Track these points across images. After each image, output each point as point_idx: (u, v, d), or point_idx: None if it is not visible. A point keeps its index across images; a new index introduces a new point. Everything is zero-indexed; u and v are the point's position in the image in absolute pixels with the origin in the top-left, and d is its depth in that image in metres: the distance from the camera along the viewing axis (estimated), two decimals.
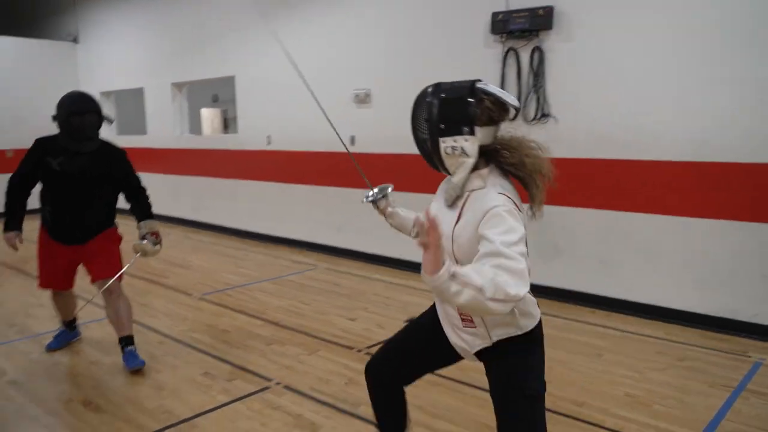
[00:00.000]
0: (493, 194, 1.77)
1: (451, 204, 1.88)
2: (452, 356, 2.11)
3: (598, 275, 5.01)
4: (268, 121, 7.70)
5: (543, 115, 5.09)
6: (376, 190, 2.35)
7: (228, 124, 13.04)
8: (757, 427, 3.07)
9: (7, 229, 3.71)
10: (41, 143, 3.69)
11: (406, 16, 6.08)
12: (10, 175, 3.77)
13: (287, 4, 7.13)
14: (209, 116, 13.24)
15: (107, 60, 10.58)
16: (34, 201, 3.78)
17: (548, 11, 4.90)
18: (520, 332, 1.91)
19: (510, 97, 1.83)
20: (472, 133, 1.78)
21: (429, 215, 1.51)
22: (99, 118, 3.69)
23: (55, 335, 4.21)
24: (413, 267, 5.84)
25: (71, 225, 3.73)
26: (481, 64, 5.38)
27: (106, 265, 3.82)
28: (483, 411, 3.12)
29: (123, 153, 3.89)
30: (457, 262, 1.83)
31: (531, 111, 5.16)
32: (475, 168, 1.83)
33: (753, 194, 4.24)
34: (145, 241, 3.78)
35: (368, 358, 2.37)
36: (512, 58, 5.22)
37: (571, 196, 5.03)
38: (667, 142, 4.55)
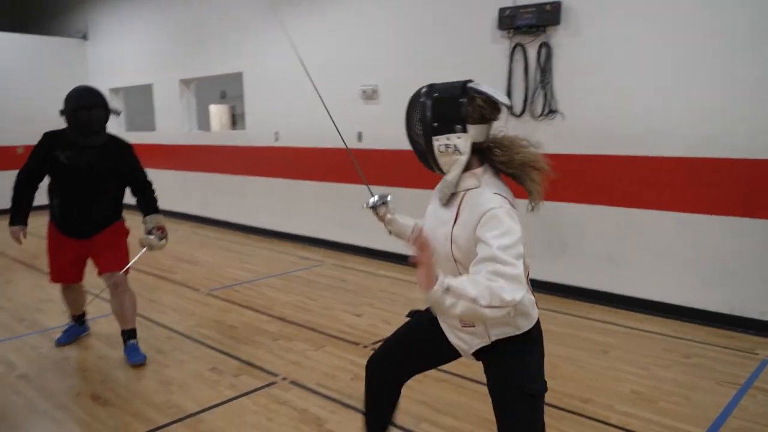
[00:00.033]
0: (489, 195, 1.79)
1: (446, 202, 1.91)
2: (452, 354, 2.14)
3: (605, 272, 5.00)
4: (276, 118, 7.72)
5: (550, 111, 5.07)
6: (376, 197, 2.40)
7: (236, 120, 13.09)
8: (764, 424, 3.06)
9: (12, 223, 3.76)
10: (49, 137, 3.73)
11: (414, 12, 6.07)
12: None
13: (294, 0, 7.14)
14: (218, 112, 13.30)
15: (116, 57, 10.64)
16: (42, 198, 3.82)
17: (555, 6, 4.88)
18: (518, 332, 1.93)
19: (501, 96, 1.86)
20: (464, 130, 1.82)
21: (421, 234, 1.55)
22: (106, 112, 3.72)
23: (65, 330, 4.25)
24: None
25: (78, 219, 3.77)
26: (488, 60, 5.37)
27: (113, 259, 3.85)
28: (487, 407, 3.08)
29: (130, 147, 3.91)
30: (456, 262, 1.86)
31: (538, 107, 5.14)
32: (470, 167, 1.86)
33: (762, 191, 4.21)
34: (151, 236, 3.81)
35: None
36: (519, 54, 5.20)
37: (577, 193, 5.02)
38: (675, 138, 4.52)
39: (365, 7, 6.50)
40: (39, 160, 3.71)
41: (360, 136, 6.58)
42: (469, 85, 1.85)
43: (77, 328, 4.27)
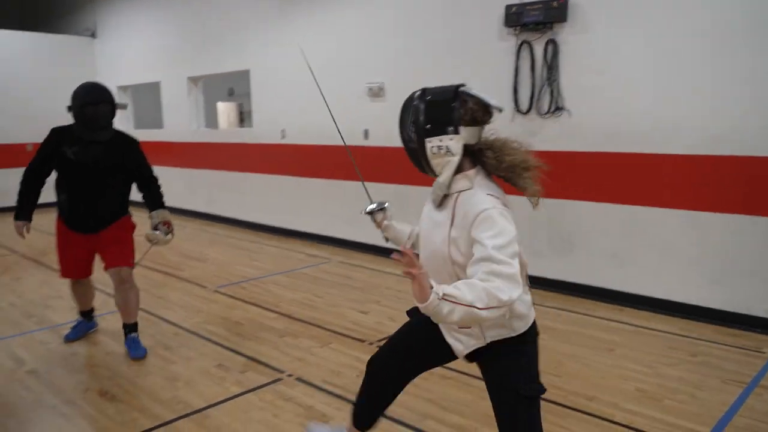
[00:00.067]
0: (482, 196, 1.82)
1: (439, 204, 1.94)
2: (452, 354, 2.16)
3: (611, 269, 4.99)
4: (283, 115, 7.74)
5: (557, 108, 5.06)
6: (374, 204, 2.45)
7: (244, 117, 13.12)
8: None
9: (17, 218, 3.80)
10: (56, 132, 3.77)
11: (420, 9, 6.06)
12: None
13: None
14: (225, 110, 13.33)
15: (124, 54, 10.70)
16: (50, 195, 3.85)
17: (562, 3, 4.86)
18: (513, 334, 1.95)
19: (492, 100, 1.90)
20: (456, 132, 1.85)
21: (406, 250, 1.59)
22: (112, 108, 3.76)
23: (73, 326, 4.29)
24: None
25: (85, 214, 3.80)
26: (494, 57, 5.37)
27: (120, 254, 3.89)
28: None
29: (136, 143, 3.94)
30: (453, 264, 1.88)
31: (545, 104, 5.13)
32: (462, 169, 1.89)
33: None
34: (157, 231, 3.84)
35: None
36: (526, 51, 5.19)
37: (583, 190, 5.00)
38: (682, 135, 4.50)
39: (372, 5, 6.50)
40: (46, 156, 3.74)
41: (366, 134, 6.59)
42: (462, 88, 1.90)
43: (85, 324, 4.31)
